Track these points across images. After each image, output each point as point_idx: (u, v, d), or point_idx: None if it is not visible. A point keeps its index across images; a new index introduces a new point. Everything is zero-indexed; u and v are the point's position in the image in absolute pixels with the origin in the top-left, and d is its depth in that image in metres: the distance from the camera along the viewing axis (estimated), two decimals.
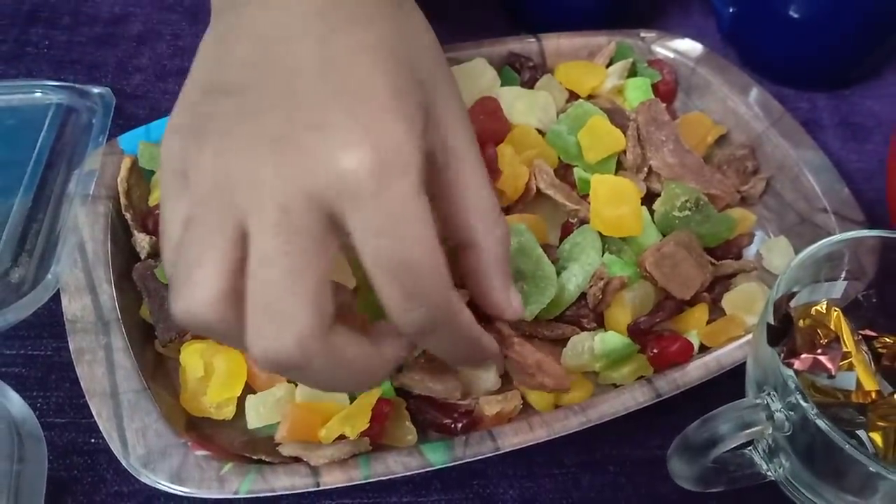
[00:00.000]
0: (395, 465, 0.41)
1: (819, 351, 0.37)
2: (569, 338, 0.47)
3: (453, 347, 0.38)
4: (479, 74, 0.56)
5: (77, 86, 0.55)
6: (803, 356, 0.37)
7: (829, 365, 0.36)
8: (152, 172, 0.52)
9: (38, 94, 0.55)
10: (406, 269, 0.33)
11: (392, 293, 0.33)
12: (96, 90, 0.55)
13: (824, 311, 0.39)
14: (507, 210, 0.51)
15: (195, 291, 0.32)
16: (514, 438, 0.42)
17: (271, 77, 0.34)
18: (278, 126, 0.33)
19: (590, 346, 0.46)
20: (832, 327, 0.38)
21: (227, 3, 0.38)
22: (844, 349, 0.37)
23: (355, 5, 0.36)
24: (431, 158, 0.36)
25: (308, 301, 0.32)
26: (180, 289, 0.33)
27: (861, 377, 0.37)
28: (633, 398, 0.43)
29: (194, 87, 0.36)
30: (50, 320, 0.47)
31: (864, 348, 0.40)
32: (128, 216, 0.49)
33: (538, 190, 0.51)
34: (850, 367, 0.37)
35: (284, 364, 0.33)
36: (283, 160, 0.32)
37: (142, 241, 0.49)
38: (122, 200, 0.50)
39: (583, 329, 0.48)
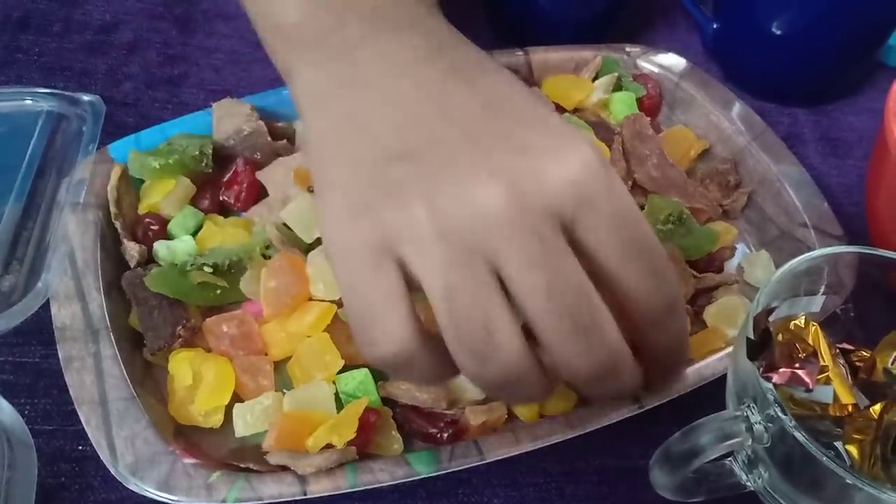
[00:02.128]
0: (381, 474, 0.41)
1: (797, 365, 0.38)
2: None
3: (675, 339, 0.39)
4: None
5: (67, 93, 0.55)
6: (782, 370, 0.37)
7: (807, 379, 0.37)
8: (142, 181, 0.53)
9: (28, 102, 0.55)
10: (645, 251, 0.34)
11: (637, 279, 0.34)
12: (86, 98, 0.55)
13: (803, 326, 0.40)
14: None
15: (506, 356, 0.33)
16: (499, 449, 0.42)
17: (441, 127, 0.34)
18: (483, 165, 0.32)
19: None
20: (810, 342, 0.39)
21: (323, 47, 0.37)
22: (822, 363, 0.38)
23: (455, 47, 0.39)
24: None
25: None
26: (490, 362, 0.33)
27: (838, 391, 0.38)
28: (616, 409, 0.44)
29: (355, 165, 0.34)
30: (38, 327, 0.47)
31: (842, 362, 0.41)
32: (117, 224, 0.50)
33: None
34: (828, 381, 0.38)
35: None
36: (509, 192, 0.32)
37: (131, 249, 0.49)
38: (112, 209, 0.50)
39: None
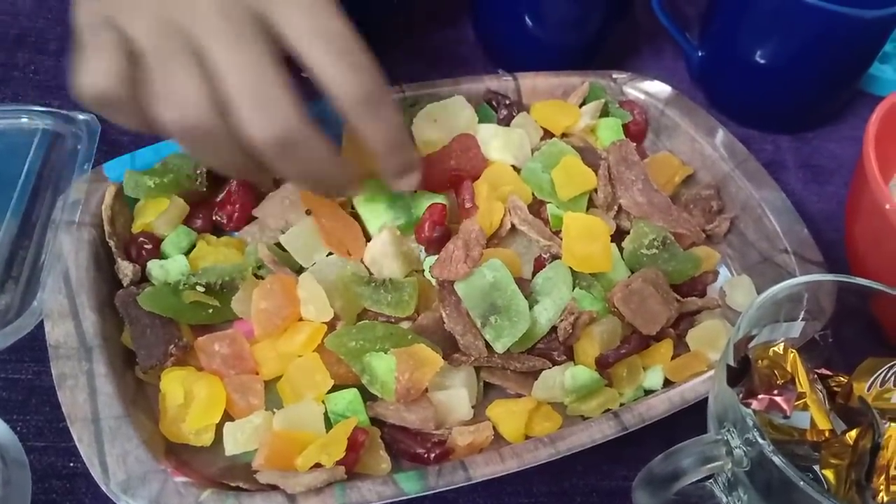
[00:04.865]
0: (369, 494, 0.42)
1: (776, 392, 0.39)
2: (540, 370, 0.49)
3: (389, 131, 0.44)
4: (457, 112, 0.58)
5: (63, 112, 0.56)
6: (761, 396, 0.38)
7: (785, 406, 0.38)
8: (136, 200, 0.53)
9: (24, 120, 0.56)
10: (337, 42, 0.40)
11: (333, 67, 0.40)
12: (82, 117, 0.56)
13: (781, 353, 0.41)
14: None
15: (183, 101, 0.39)
16: (485, 469, 0.43)
17: None
18: None
19: (560, 380, 0.48)
20: (788, 368, 0.40)
21: None
22: (799, 390, 0.39)
23: None
24: None
25: (284, 88, 0.39)
26: (165, 102, 0.40)
27: (815, 416, 0.39)
28: (601, 431, 0.45)
29: None
30: (31, 344, 0.47)
31: (819, 387, 0.42)
32: (111, 243, 0.50)
33: (512, 225, 0.53)
34: (805, 407, 0.39)
35: (287, 141, 0.40)
36: None
37: (125, 268, 0.50)
38: (106, 228, 0.50)
39: (553, 361, 0.50)
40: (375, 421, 0.47)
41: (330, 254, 0.52)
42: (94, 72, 0.40)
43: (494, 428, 0.47)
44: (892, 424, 0.40)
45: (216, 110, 0.40)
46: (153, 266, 0.50)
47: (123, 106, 0.41)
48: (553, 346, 0.50)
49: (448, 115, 0.58)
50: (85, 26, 0.41)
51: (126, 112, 0.42)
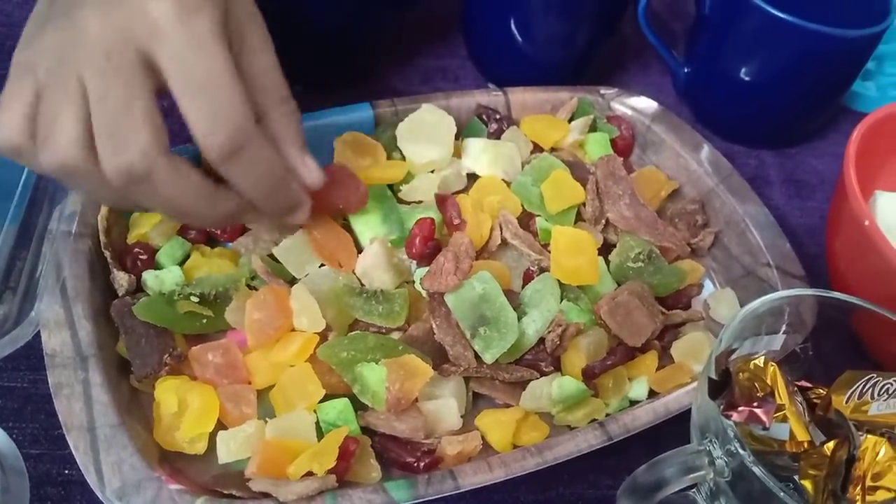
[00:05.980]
0: (360, 502, 0.42)
1: (755, 404, 0.40)
2: (528, 381, 0.50)
3: (258, 180, 0.43)
4: (436, 121, 0.58)
5: None
6: (741, 408, 0.40)
7: (764, 418, 0.39)
8: (131, 211, 0.54)
9: None
10: (204, 90, 0.39)
11: (195, 114, 0.40)
12: None
13: (762, 366, 0.42)
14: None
15: (58, 142, 0.39)
16: (473, 477, 0.44)
17: None
18: (93, 6, 0.39)
19: (548, 391, 0.49)
20: (768, 381, 0.41)
21: None
22: (779, 402, 0.40)
23: None
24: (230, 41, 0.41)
25: (141, 120, 0.39)
26: (44, 146, 0.39)
27: (794, 428, 0.40)
28: (587, 440, 0.46)
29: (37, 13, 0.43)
30: (27, 353, 0.48)
31: (799, 399, 0.43)
32: (107, 254, 0.51)
33: (503, 239, 0.54)
34: (784, 419, 0.40)
35: (132, 172, 0.39)
36: (103, 21, 0.39)
37: (120, 278, 0.50)
38: (102, 238, 0.51)
39: (540, 372, 0.51)
40: (366, 430, 0.48)
41: (322, 265, 0.53)
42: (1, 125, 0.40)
43: (483, 437, 0.48)
44: (869, 436, 0.41)
45: (86, 149, 0.39)
46: (148, 276, 0.51)
47: (24, 155, 0.41)
48: (541, 357, 0.51)
49: (426, 127, 0.58)
50: (11, 72, 0.42)
51: (28, 159, 0.41)
